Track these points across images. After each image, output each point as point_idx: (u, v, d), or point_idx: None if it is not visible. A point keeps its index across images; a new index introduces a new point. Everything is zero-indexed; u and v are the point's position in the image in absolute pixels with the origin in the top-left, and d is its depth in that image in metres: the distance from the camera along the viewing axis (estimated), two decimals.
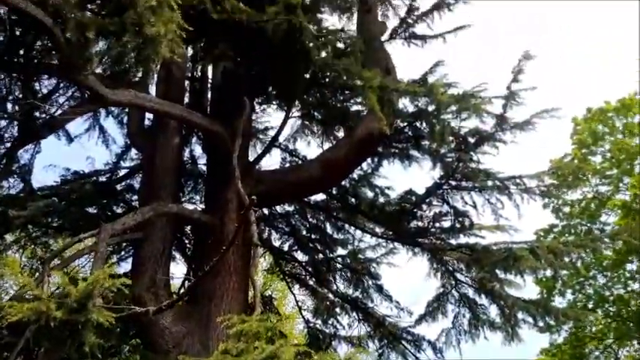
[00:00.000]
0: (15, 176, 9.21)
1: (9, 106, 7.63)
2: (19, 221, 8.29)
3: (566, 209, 16.91)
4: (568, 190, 14.70)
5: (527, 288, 8.91)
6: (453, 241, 9.12)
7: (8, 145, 8.44)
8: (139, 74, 6.35)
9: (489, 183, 8.63)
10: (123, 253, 9.77)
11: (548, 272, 10.32)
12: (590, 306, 15.88)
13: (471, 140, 8.37)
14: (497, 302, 8.96)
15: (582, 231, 16.36)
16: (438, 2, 8.97)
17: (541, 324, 9.08)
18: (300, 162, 9.97)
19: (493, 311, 9.12)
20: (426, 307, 9.52)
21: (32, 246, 10.02)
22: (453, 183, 8.78)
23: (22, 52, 6.76)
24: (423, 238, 9.24)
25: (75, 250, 7.81)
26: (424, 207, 9.11)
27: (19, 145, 8.29)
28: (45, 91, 8.05)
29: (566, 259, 8.88)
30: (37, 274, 8.51)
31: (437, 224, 9.11)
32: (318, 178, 8.42)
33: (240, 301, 7.51)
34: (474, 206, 8.87)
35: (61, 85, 8.28)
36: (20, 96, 7.42)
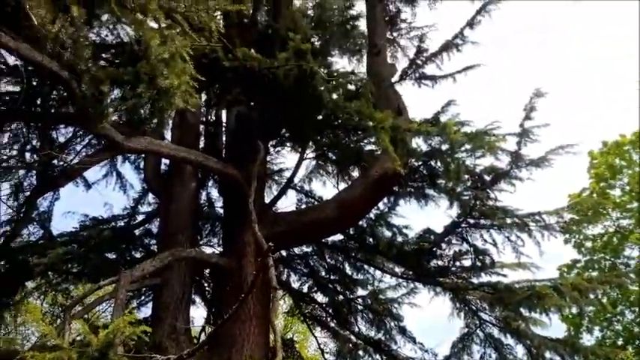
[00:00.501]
0: (34, 223, 9.35)
1: (27, 155, 7.80)
2: (40, 268, 8.37)
3: (589, 244, 16.69)
4: (589, 225, 14.48)
5: (553, 325, 8.71)
6: (474, 280, 8.99)
7: (27, 193, 8.57)
8: (154, 122, 6.45)
9: (508, 220, 8.53)
10: (143, 297, 9.79)
11: (574, 309, 10.07)
12: (619, 343, 15.47)
13: (487, 178, 8.36)
14: (524, 342, 8.74)
15: (606, 266, 16.10)
16: (446, 43, 9.04)
17: None
18: (316, 203, 9.99)
19: (520, 351, 8.90)
20: (451, 347, 9.30)
21: (53, 292, 10.05)
22: (472, 221, 8.70)
23: (38, 102, 6.91)
24: (444, 277, 9.11)
25: (95, 296, 7.82)
26: (443, 246, 9.01)
27: (38, 194, 8.41)
28: (62, 139, 8.22)
29: (592, 296, 8.71)
30: (59, 321, 8.55)
31: (457, 263, 9.00)
32: (335, 218, 8.37)
33: (262, 346, 7.45)
34: (494, 244, 8.77)
35: (78, 132, 8.45)
36: (38, 145, 7.57)
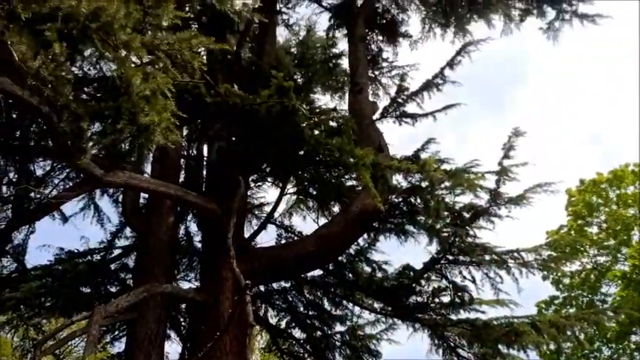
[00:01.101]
0: (8, 256, 9.16)
1: (4, 188, 7.66)
2: (12, 302, 8.18)
3: (567, 280, 16.83)
4: (566, 262, 14.64)
5: None
6: (453, 317, 8.94)
7: (2, 225, 8.42)
8: (134, 157, 6.41)
9: (487, 257, 8.56)
10: (117, 332, 9.61)
11: (552, 346, 10.07)
12: None
13: (466, 215, 8.39)
14: None
15: (584, 302, 16.23)
16: (427, 82, 9.23)
17: None
18: (295, 238, 9.93)
19: None
20: None
21: (24, 327, 9.83)
22: (451, 258, 8.70)
23: (17, 134, 6.83)
24: (422, 313, 9.07)
25: (68, 331, 7.66)
26: (422, 282, 8.99)
27: (13, 227, 8.26)
28: (40, 172, 8.12)
29: (569, 333, 8.69)
30: (29, 356, 8.33)
31: (436, 299, 8.97)
32: (314, 254, 8.35)
33: None
34: (473, 281, 8.77)
35: (57, 165, 8.35)
36: (15, 178, 7.45)
